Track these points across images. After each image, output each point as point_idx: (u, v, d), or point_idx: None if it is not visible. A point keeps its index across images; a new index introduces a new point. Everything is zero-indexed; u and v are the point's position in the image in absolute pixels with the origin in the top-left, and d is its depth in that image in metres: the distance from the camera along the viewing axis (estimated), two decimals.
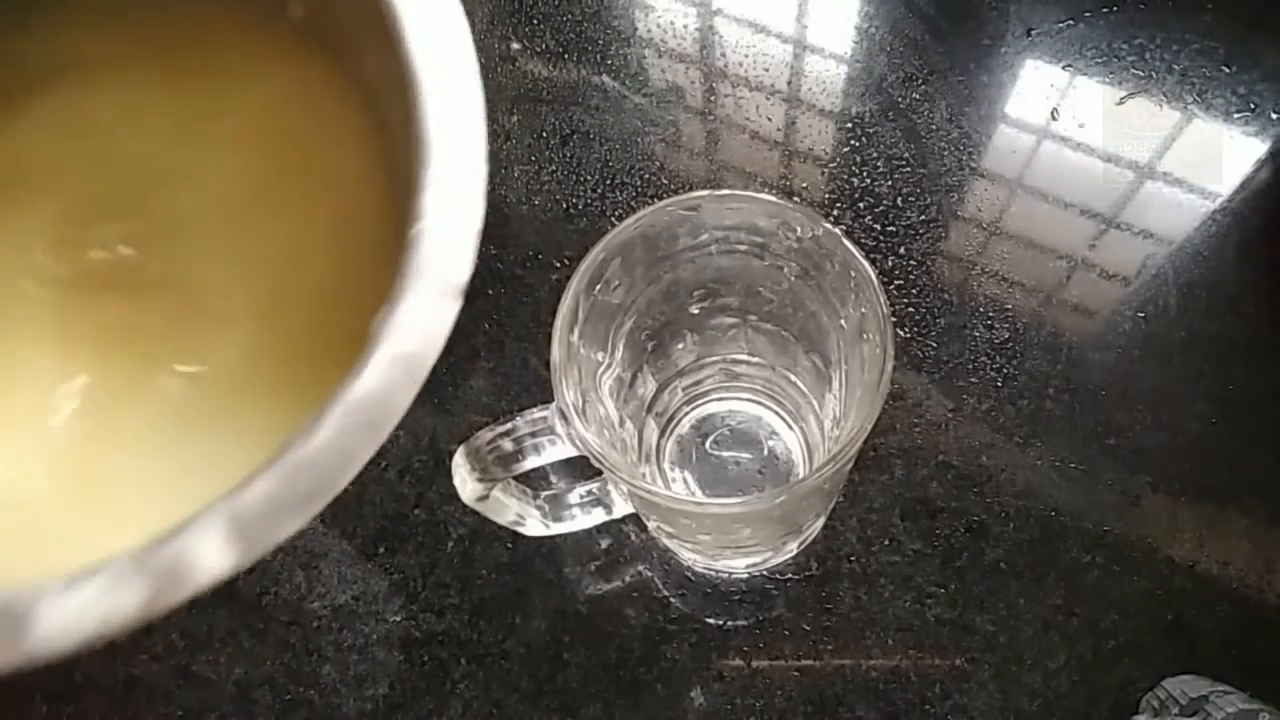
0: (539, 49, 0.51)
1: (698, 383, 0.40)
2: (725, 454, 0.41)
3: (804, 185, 0.49)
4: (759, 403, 0.42)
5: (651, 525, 0.38)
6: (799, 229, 0.31)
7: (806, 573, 0.41)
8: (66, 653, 0.14)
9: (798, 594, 0.40)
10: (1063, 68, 0.51)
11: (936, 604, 0.40)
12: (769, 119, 0.51)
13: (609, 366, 0.34)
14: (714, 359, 0.39)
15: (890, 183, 0.48)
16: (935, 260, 0.46)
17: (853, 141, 0.50)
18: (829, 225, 0.30)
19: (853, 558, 0.41)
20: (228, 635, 0.41)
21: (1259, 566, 0.40)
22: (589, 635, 0.40)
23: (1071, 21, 0.52)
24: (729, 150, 0.50)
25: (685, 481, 0.40)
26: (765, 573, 0.41)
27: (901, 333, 0.45)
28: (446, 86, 0.16)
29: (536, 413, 0.29)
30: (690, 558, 0.40)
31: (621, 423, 0.36)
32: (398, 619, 0.41)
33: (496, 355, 0.45)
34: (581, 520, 0.35)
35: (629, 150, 0.49)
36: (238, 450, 0.18)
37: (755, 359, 0.39)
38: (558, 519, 0.35)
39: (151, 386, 0.19)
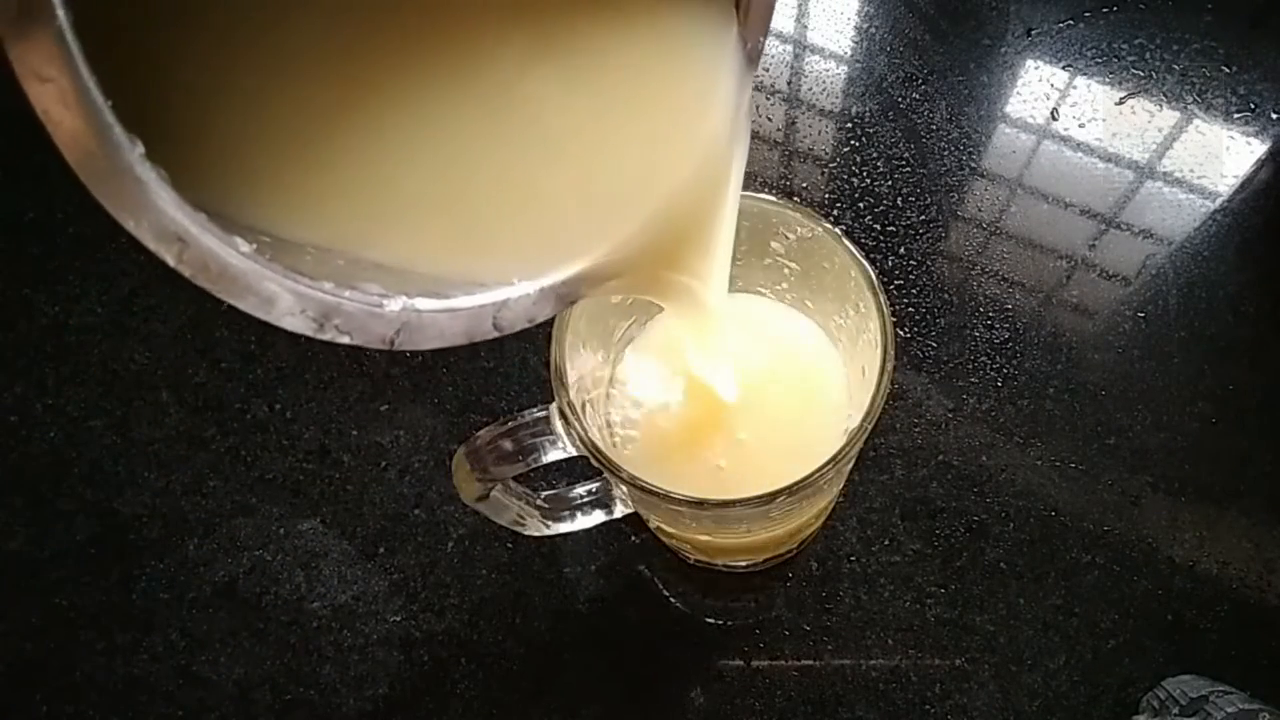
0: None
1: None
2: None
3: (804, 185, 0.49)
4: None
5: (652, 525, 0.38)
6: (799, 229, 0.31)
7: (806, 573, 0.41)
8: (512, 328, 0.19)
9: (798, 594, 0.40)
10: (1063, 68, 0.51)
11: (936, 604, 0.40)
12: (769, 119, 0.51)
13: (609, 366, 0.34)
14: None
15: (890, 183, 0.48)
16: (935, 260, 0.47)
17: (853, 141, 0.50)
18: (829, 225, 0.30)
19: (853, 558, 0.41)
20: (228, 635, 0.41)
21: (1259, 567, 0.40)
22: (589, 635, 0.40)
23: (1071, 21, 0.52)
24: None
25: None
26: (765, 572, 0.41)
27: (901, 332, 0.45)
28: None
29: (536, 413, 0.29)
30: (690, 557, 0.40)
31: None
32: (398, 619, 0.41)
33: (496, 355, 0.45)
34: (581, 520, 0.35)
35: None
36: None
37: None
38: (558, 519, 0.35)
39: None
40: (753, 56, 0.21)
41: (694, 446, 0.33)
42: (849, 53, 0.52)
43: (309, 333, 0.16)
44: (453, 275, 0.19)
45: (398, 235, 0.19)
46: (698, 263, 0.23)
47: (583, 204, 0.20)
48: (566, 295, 0.20)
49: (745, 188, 0.29)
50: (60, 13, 0.12)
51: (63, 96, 0.13)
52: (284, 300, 0.15)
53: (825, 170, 0.49)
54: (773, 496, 0.26)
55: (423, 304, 0.18)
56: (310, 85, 0.18)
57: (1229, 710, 0.34)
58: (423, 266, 0.19)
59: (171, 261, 0.14)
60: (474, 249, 0.20)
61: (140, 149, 0.14)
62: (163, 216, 0.14)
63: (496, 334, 0.19)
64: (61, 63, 0.13)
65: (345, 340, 0.16)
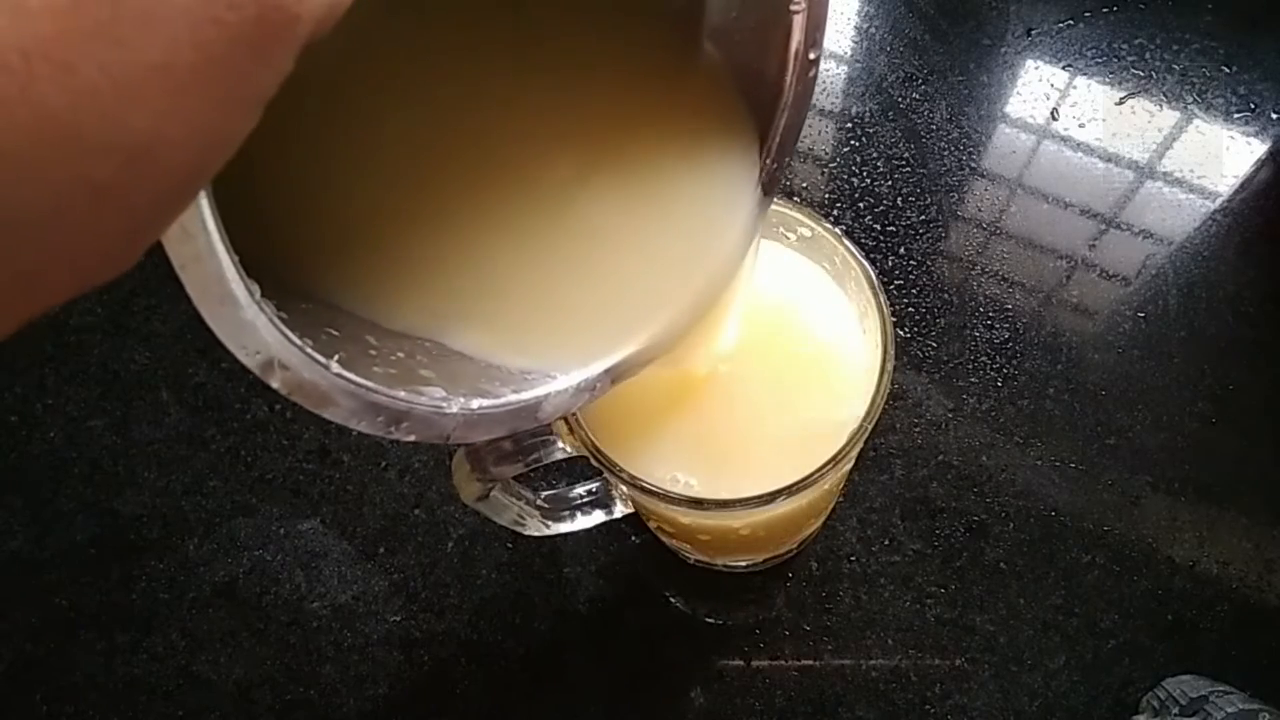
0: None
1: None
2: None
3: (804, 185, 0.49)
4: None
5: (652, 525, 0.38)
6: (800, 229, 0.31)
7: (806, 572, 0.41)
8: (550, 420, 0.22)
9: (798, 594, 0.40)
10: (1063, 68, 0.51)
11: (936, 604, 0.40)
12: None
13: None
14: None
15: (890, 183, 0.48)
16: (935, 260, 0.46)
17: (853, 141, 0.50)
18: (829, 225, 0.30)
19: (853, 558, 0.41)
20: (228, 635, 0.41)
21: (1259, 566, 0.40)
22: (589, 635, 0.40)
23: (1071, 21, 0.52)
24: None
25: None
26: (765, 572, 0.41)
27: (901, 332, 0.45)
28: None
29: None
30: (690, 557, 0.40)
31: None
32: (398, 619, 0.41)
33: None
34: (581, 520, 0.35)
35: None
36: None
37: None
38: (558, 519, 0.35)
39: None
40: (770, 182, 0.23)
41: (678, 426, 0.31)
42: (849, 53, 0.52)
43: (379, 434, 0.18)
44: (507, 359, 0.22)
45: (467, 321, 0.22)
46: (712, 335, 0.26)
47: (621, 304, 0.23)
48: (599, 387, 0.22)
49: None
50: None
51: (199, 252, 0.14)
52: (363, 410, 0.18)
53: (825, 170, 0.49)
54: (772, 497, 0.26)
55: (476, 404, 0.20)
56: (395, 199, 0.21)
57: (1229, 710, 0.34)
58: (482, 351, 0.22)
59: (275, 384, 0.16)
60: (529, 337, 0.22)
61: (257, 292, 0.16)
62: (271, 349, 0.16)
63: (535, 424, 0.21)
64: (202, 222, 0.14)
65: (410, 438, 0.19)
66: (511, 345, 0.22)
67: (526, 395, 0.21)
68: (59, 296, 0.11)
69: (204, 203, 0.14)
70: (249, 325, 0.16)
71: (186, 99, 0.10)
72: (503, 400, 0.20)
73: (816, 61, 0.20)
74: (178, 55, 0.09)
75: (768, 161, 0.23)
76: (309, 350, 0.17)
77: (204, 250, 0.14)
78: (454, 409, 0.19)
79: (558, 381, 0.22)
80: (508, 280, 0.22)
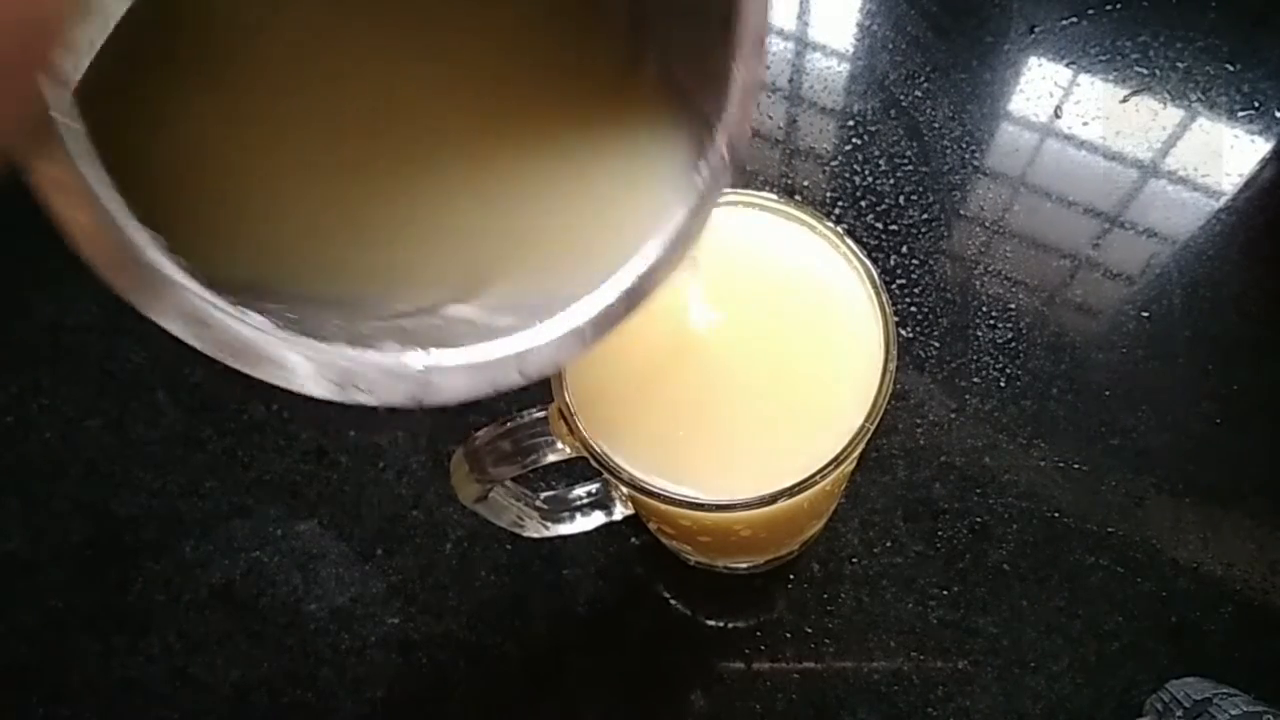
0: None
1: None
2: None
3: (805, 184, 0.49)
4: None
5: (652, 526, 0.37)
6: (804, 230, 0.30)
7: (808, 574, 0.40)
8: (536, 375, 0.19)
9: (799, 595, 0.40)
10: (1066, 65, 0.51)
11: (939, 606, 0.39)
12: (770, 117, 0.51)
13: None
14: None
15: (892, 181, 0.48)
16: (938, 259, 0.46)
17: (854, 140, 0.49)
18: (830, 224, 0.29)
19: (854, 559, 0.40)
20: (224, 637, 0.40)
21: (1263, 568, 0.40)
22: (589, 637, 0.40)
23: (1075, 19, 0.52)
24: None
25: None
26: (766, 574, 0.40)
27: (904, 332, 0.44)
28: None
29: (535, 413, 0.28)
30: (690, 558, 0.40)
31: None
32: (396, 621, 0.40)
33: None
34: (581, 522, 0.35)
35: None
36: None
37: None
38: (557, 520, 0.35)
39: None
40: (741, 119, 0.21)
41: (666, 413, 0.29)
42: (850, 50, 0.52)
43: (334, 397, 0.16)
44: (491, 317, 0.20)
45: (437, 277, 0.20)
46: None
47: (594, 246, 0.22)
48: (590, 335, 0.20)
49: (747, 186, 0.29)
50: (78, 123, 0.13)
51: (82, 202, 0.13)
52: (303, 366, 0.16)
53: (827, 169, 0.49)
54: (773, 498, 0.26)
55: (445, 358, 0.18)
56: (350, 178, 0.20)
57: (1233, 713, 0.33)
58: (463, 311, 0.20)
59: (196, 344, 0.15)
60: (508, 284, 0.21)
61: (162, 243, 0.14)
62: (184, 304, 0.15)
63: (523, 382, 0.19)
64: (80, 170, 0.13)
65: (370, 401, 0.16)
66: (494, 297, 0.20)
67: (502, 348, 0.19)
68: None
69: (79, 147, 0.13)
70: (157, 278, 0.14)
71: None
72: (474, 354, 0.18)
73: None
74: None
75: (735, 98, 0.21)
76: (232, 304, 0.15)
77: (90, 199, 0.13)
78: (416, 365, 0.17)
79: (538, 332, 0.19)
80: (475, 233, 0.21)
